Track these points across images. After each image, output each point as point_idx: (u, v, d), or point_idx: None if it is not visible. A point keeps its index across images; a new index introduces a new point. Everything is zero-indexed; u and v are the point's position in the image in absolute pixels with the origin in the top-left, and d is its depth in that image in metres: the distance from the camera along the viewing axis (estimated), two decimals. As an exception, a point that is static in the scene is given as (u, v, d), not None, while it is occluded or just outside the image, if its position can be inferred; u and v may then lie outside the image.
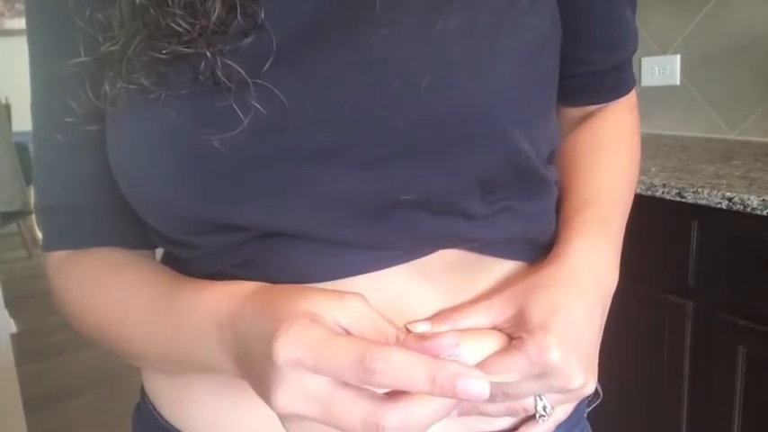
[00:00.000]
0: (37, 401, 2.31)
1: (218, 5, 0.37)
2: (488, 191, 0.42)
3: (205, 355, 0.39)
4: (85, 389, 2.47)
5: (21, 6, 4.91)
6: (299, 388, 0.31)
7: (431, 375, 0.29)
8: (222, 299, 0.38)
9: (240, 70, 0.37)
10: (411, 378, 0.30)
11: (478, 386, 0.29)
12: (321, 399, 0.31)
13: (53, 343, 2.88)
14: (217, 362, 0.38)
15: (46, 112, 0.47)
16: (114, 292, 0.45)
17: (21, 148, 3.35)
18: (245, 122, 0.37)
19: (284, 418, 0.33)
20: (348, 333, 0.33)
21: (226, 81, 0.37)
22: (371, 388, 0.31)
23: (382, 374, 0.29)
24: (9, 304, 1.90)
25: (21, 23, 4.75)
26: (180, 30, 0.37)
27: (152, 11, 0.38)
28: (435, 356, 0.31)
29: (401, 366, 0.30)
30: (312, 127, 0.38)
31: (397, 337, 0.34)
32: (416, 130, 0.38)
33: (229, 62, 0.37)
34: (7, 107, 3.76)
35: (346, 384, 0.31)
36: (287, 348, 0.31)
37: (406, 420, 0.30)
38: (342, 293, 0.34)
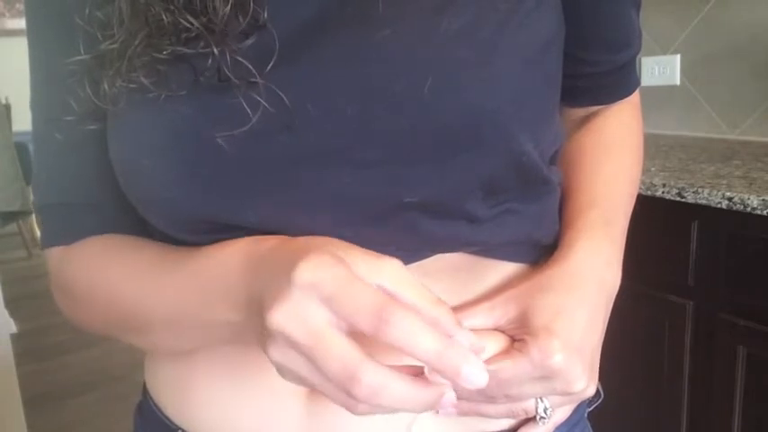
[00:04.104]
0: (37, 401, 2.31)
1: (220, 4, 0.37)
2: (491, 193, 0.42)
3: (217, 298, 0.38)
4: (85, 389, 2.47)
5: (21, 6, 4.91)
6: (301, 311, 0.31)
7: (441, 348, 0.30)
8: (247, 241, 0.39)
9: (250, 67, 0.37)
10: (421, 344, 0.29)
11: (480, 377, 0.29)
12: (315, 330, 0.31)
13: (53, 343, 2.88)
14: (229, 303, 0.37)
15: (46, 110, 0.47)
16: (133, 258, 0.45)
17: (21, 148, 3.34)
18: (254, 119, 0.37)
19: (271, 338, 0.32)
20: None
21: (234, 79, 0.37)
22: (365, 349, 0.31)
23: (395, 328, 0.29)
24: (9, 304, 1.90)
25: (21, 23, 4.75)
26: (185, 26, 0.37)
27: (154, 8, 0.38)
28: None
29: (417, 328, 0.30)
30: (314, 127, 0.37)
31: None
32: (419, 131, 0.37)
33: (239, 58, 0.37)
34: (7, 107, 3.75)
35: (343, 332, 0.31)
36: (310, 271, 0.31)
37: (382, 387, 0.30)
38: (380, 256, 0.34)
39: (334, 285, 0.31)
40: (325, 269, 0.31)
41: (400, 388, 0.30)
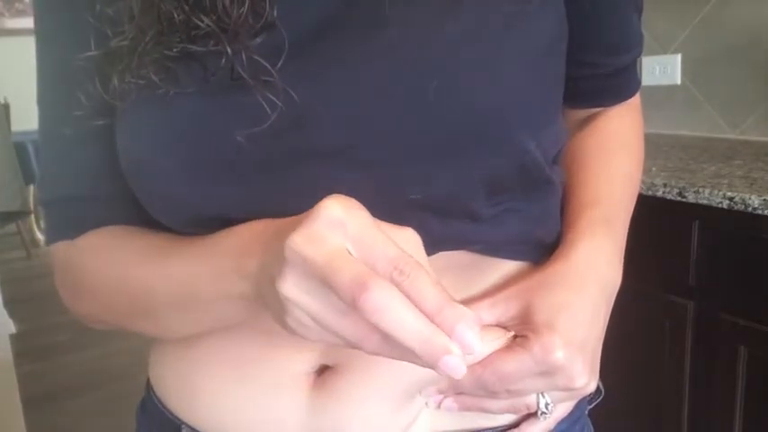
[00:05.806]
0: (37, 401, 2.31)
1: (230, 3, 0.37)
2: (493, 192, 0.42)
3: (230, 266, 0.38)
4: (85, 389, 2.47)
5: (21, 6, 4.91)
6: (321, 238, 0.31)
7: (441, 306, 0.30)
8: (258, 221, 0.39)
9: (267, 65, 0.37)
10: (425, 298, 0.30)
11: (472, 340, 0.30)
12: (333, 250, 0.31)
13: (53, 343, 2.89)
14: (241, 268, 0.37)
15: (54, 106, 0.48)
16: (142, 243, 0.45)
17: (20, 148, 3.34)
18: (273, 116, 0.37)
19: (287, 265, 0.32)
20: None
21: (247, 77, 0.37)
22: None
23: (408, 279, 0.30)
24: (8, 304, 1.90)
25: (21, 23, 4.75)
26: (195, 24, 0.38)
27: (165, 5, 0.38)
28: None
29: (425, 284, 0.30)
30: (320, 126, 0.38)
31: None
32: (424, 131, 0.38)
33: (256, 57, 0.37)
34: (6, 107, 3.75)
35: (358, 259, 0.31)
36: (340, 209, 0.32)
37: (389, 306, 0.29)
38: (398, 226, 0.34)
39: (360, 227, 0.31)
40: (354, 211, 0.32)
41: (406, 314, 0.30)
